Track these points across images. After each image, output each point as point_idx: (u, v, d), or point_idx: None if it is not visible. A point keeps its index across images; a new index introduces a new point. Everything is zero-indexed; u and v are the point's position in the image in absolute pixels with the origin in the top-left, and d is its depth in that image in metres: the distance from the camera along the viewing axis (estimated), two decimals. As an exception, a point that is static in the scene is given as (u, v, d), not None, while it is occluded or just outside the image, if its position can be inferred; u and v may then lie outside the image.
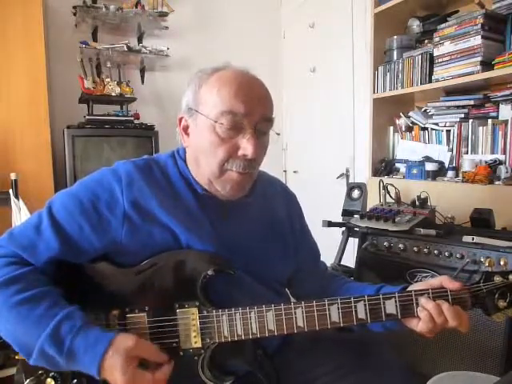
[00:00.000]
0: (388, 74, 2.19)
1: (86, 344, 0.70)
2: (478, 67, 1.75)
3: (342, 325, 0.77)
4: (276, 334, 0.78)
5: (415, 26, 2.17)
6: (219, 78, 0.84)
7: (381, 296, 0.77)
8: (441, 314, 0.74)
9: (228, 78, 0.84)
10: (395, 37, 2.20)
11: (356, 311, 0.76)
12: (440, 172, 2.02)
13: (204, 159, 0.85)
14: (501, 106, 1.83)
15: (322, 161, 3.03)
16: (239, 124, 0.82)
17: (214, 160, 0.83)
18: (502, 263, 0.76)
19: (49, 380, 0.78)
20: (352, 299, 0.77)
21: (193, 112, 0.86)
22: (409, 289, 0.81)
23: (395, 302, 0.77)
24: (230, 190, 0.86)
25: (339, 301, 0.77)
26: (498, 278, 0.74)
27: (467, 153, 1.96)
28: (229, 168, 0.84)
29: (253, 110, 0.82)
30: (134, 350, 0.71)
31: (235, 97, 0.81)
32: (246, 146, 0.82)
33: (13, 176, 1.95)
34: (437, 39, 1.94)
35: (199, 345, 0.79)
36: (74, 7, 2.66)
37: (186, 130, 0.89)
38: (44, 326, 0.70)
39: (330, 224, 1.88)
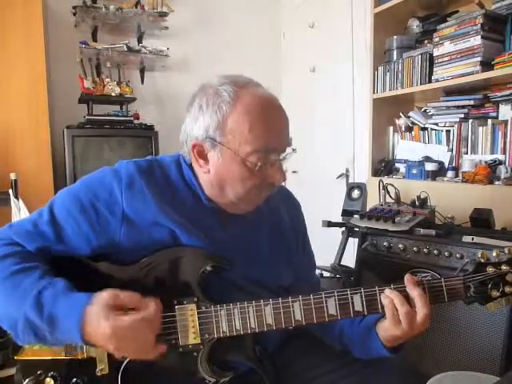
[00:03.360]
0: (388, 74, 2.19)
1: (66, 306, 0.71)
2: (478, 67, 1.75)
3: (339, 317, 0.77)
4: (275, 328, 0.78)
5: (415, 26, 2.17)
6: (246, 109, 0.79)
7: (377, 288, 0.78)
8: (403, 303, 0.75)
9: (255, 111, 0.79)
10: (395, 37, 2.20)
11: (353, 303, 0.77)
12: (440, 172, 2.02)
13: (230, 188, 0.83)
14: (501, 106, 1.83)
15: (322, 161, 3.03)
16: (269, 157, 0.81)
17: (241, 189, 0.83)
18: (494, 254, 0.77)
19: (48, 379, 0.78)
20: (348, 291, 0.78)
21: (216, 144, 0.80)
22: None
23: None
24: (251, 207, 0.88)
25: (336, 293, 0.78)
26: (490, 269, 0.76)
27: (467, 153, 1.96)
28: (255, 194, 0.84)
29: (282, 141, 0.83)
30: (112, 299, 0.71)
31: (267, 134, 0.79)
32: (276, 176, 0.83)
33: (13, 176, 1.95)
34: (437, 39, 1.94)
35: (198, 341, 0.79)
36: (74, 7, 2.66)
37: (202, 154, 0.84)
38: (29, 294, 0.72)
39: (330, 224, 1.88)
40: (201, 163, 0.84)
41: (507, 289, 0.75)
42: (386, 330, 0.79)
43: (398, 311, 0.75)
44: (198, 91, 0.85)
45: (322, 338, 0.97)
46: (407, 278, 0.77)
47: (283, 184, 0.97)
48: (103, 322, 0.68)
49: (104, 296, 0.71)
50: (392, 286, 0.77)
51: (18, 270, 0.75)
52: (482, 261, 0.77)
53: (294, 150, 0.86)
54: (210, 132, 0.80)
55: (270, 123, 0.81)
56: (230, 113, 0.79)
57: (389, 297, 0.76)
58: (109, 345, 0.70)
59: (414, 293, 0.75)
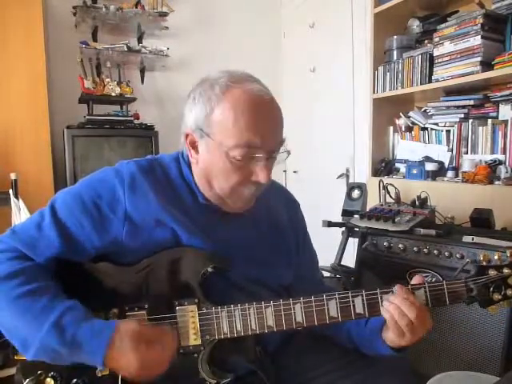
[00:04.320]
0: (388, 74, 2.19)
1: (92, 331, 0.71)
2: (478, 67, 1.75)
3: (340, 319, 0.78)
4: (275, 329, 0.78)
5: (415, 26, 2.17)
6: (234, 103, 0.79)
7: (378, 291, 0.78)
8: (403, 315, 0.75)
9: (243, 105, 0.78)
10: (395, 37, 2.20)
11: (354, 306, 0.77)
12: (440, 172, 2.02)
13: (215, 180, 0.84)
14: (501, 106, 1.83)
15: (322, 161, 3.03)
16: (253, 154, 0.80)
17: (225, 184, 0.83)
18: (496, 257, 0.77)
19: (48, 380, 0.78)
20: (350, 294, 0.78)
21: (203, 134, 0.81)
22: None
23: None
24: (240, 205, 0.87)
25: (337, 296, 0.78)
26: (492, 272, 0.76)
27: (467, 153, 1.96)
28: (240, 190, 0.84)
29: (268, 140, 0.81)
30: (140, 332, 0.73)
31: (252, 130, 0.78)
32: (260, 174, 0.81)
33: (13, 176, 1.95)
34: (437, 39, 1.94)
35: (199, 342, 0.79)
36: (74, 7, 2.66)
37: (193, 144, 0.85)
38: (46, 318, 0.71)
39: (330, 224, 1.88)
40: (192, 153, 0.86)
41: (509, 292, 0.75)
42: (393, 341, 0.79)
43: (399, 324, 0.75)
44: (197, 84, 0.87)
45: (332, 338, 0.97)
46: (398, 291, 0.76)
47: (283, 184, 0.97)
48: (131, 353, 0.70)
49: (130, 327, 0.73)
50: (393, 289, 0.77)
51: (28, 291, 0.74)
52: (484, 263, 0.77)
53: (288, 151, 0.86)
54: (199, 122, 0.82)
55: (256, 120, 0.79)
56: (217, 105, 0.80)
57: (388, 311, 0.76)
58: (130, 373, 0.72)
59: (396, 303, 0.75)
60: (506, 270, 0.75)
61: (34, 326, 0.71)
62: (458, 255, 1.33)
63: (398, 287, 0.77)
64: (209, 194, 0.87)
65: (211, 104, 0.80)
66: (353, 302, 0.77)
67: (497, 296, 0.75)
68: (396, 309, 0.75)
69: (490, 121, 1.86)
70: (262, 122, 0.80)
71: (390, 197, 1.74)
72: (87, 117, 2.57)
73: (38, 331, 0.71)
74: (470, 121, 1.94)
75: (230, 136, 0.78)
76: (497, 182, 1.73)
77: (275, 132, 0.83)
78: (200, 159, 0.85)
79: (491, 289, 0.75)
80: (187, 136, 0.85)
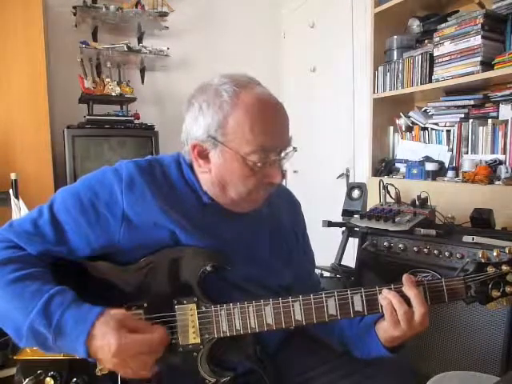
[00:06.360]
0: (388, 73, 2.19)
1: (77, 316, 0.70)
2: (478, 67, 1.75)
3: (339, 317, 0.78)
4: (275, 328, 0.78)
5: (415, 26, 2.17)
6: (246, 109, 0.79)
7: (377, 289, 0.78)
8: (401, 303, 0.75)
9: (256, 111, 0.79)
10: (395, 37, 2.21)
11: (353, 303, 0.77)
12: (440, 172, 2.02)
13: (232, 187, 0.83)
14: (501, 106, 1.83)
15: (322, 161, 3.03)
16: (269, 157, 0.81)
17: (243, 188, 0.83)
18: (495, 254, 0.77)
19: (48, 379, 0.78)
20: (349, 291, 0.78)
21: (217, 143, 0.81)
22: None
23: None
24: (253, 206, 0.88)
25: (336, 293, 0.78)
26: (491, 269, 0.76)
27: (467, 153, 1.96)
28: (256, 193, 0.85)
29: (281, 141, 0.83)
30: (124, 319, 0.72)
31: (266, 134, 0.80)
32: (275, 175, 0.83)
33: (13, 176, 1.95)
34: (437, 39, 1.94)
35: (198, 340, 0.79)
36: (74, 7, 2.66)
37: (202, 154, 0.84)
38: (36, 301, 0.71)
39: (330, 224, 1.88)
40: (200, 163, 0.84)
41: (508, 289, 0.75)
42: (386, 330, 0.80)
43: (397, 311, 0.76)
44: (198, 90, 0.85)
45: (322, 339, 0.97)
46: (405, 277, 0.78)
47: (283, 183, 0.97)
48: (111, 338, 0.68)
49: (116, 313, 0.72)
50: (392, 287, 0.78)
51: (21, 276, 0.74)
52: (483, 261, 0.77)
53: (294, 148, 0.86)
54: (211, 132, 0.81)
55: (269, 123, 0.81)
56: (231, 113, 0.79)
57: (387, 297, 0.77)
58: (110, 361, 0.70)
59: (411, 293, 0.76)
60: (504, 267, 0.75)
61: (24, 310, 0.71)
62: (458, 255, 1.33)
63: (404, 276, 0.78)
64: (220, 199, 0.86)
65: (223, 112, 0.79)
66: (352, 299, 0.77)
67: (495, 293, 0.75)
68: (395, 296, 0.76)
69: (490, 121, 1.86)
70: (274, 124, 0.82)
71: (390, 197, 1.74)
72: (87, 117, 2.57)
73: (27, 316, 0.70)
74: (471, 121, 1.94)
75: (247, 143, 0.79)
76: (497, 182, 1.73)
77: (285, 132, 0.85)
78: (213, 168, 0.83)
79: (490, 286, 0.76)
80: (194, 147, 0.83)
